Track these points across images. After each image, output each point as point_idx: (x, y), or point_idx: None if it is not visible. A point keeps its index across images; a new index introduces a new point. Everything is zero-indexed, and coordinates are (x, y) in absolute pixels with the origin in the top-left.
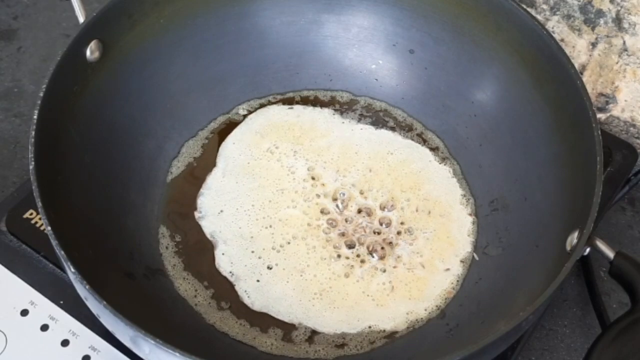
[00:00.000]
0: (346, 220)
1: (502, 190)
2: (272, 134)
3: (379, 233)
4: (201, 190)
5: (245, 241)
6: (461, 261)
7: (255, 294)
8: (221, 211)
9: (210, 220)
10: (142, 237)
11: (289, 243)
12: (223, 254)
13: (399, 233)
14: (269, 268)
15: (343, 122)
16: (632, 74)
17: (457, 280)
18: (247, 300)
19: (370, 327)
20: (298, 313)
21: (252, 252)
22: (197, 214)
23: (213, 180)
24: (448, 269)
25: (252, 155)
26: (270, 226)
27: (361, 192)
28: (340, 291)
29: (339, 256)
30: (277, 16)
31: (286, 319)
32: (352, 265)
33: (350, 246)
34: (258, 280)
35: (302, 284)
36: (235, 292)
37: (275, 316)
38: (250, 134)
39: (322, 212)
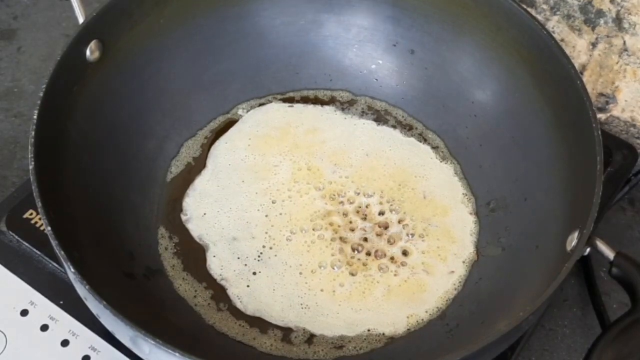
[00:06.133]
0: (346, 220)
1: (502, 190)
2: (267, 133)
3: (379, 234)
4: (187, 191)
5: (231, 246)
6: (463, 262)
7: (247, 299)
8: (204, 214)
9: (195, 223)
10: (142, 238)
11: (272, 248)
12: (214, 256)
13: (399, 232)
14: (254, 274)
15: (345, 118)
16: (632, 74)
17: (459, 282)
18: (239, 305)
19: (369, 330)
20: (291, 317)
21: (238, 258)
22: (182, 217)
23: (199, 182)
24: (452, 272)
25: (241, 155)
26: (254, 229)
27: (359, 189)
28: (335, 296)
29: (333, 262)
30: (277, 16)
31: (280, 324)
32: (350, 269)
33: (347, 248)
34: (248, 286)
35: (292, 290)
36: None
37: (269, 320)
38: (244, 133)
39: (316, 212)
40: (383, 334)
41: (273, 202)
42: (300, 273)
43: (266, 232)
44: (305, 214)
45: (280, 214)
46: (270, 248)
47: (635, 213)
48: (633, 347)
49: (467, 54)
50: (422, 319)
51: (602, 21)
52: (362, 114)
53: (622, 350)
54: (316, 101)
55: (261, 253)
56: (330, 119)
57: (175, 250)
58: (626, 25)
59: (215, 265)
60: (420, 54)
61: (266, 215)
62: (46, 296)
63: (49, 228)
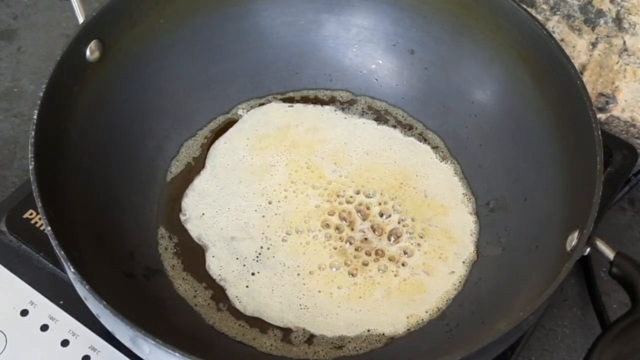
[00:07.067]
0: (346, 220)
1: (502, 190)
2: (267, 133)
3: (379, 234)
4: (186, 192)
5: (229, 246)
6: (463, 262)
7: (246, 299)
8: (203, 214)
9: (194, 223)
10: (142, 238)
11: (270, 248)
12: (213, 256)
13: (400, 233)
14: (253, 275)
15: (345, 118)
16: (632, 74)
17: (460, 282)
18: (238, 305)
19: (369, 330)
20: (291, 318)
21: (237, 258)
22: (181, 217)
23: (198, 182)
24: (453, 272)
25: (240, 155)
26: (252, 229)
27: (359, 188)
28: (335, 296)
29: (332, 263)
30: (277, 16)
31: (280, 324)
32: (349, 269)
33: (347, 248)
34: (247, 286)
35: (290, 291)
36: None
37: (268, 321)
38: (244, 133)
39: (316, 213)
40: (383, 334)
41: (270, 203)
42: (298, 274)
43: (263, 233)
44: (304, 214)
45: (276, 214)
46: (268, 249)
47: (635, 213)
48: (633, 347)
49: (467, 54)
50: (422, 319)
51: (602, 21)
52: (362, 114)
53: (622, 350)
54: (316, 101)
55: (259, 254)
56: (331, 119)
57: (175, 250)
58: (626, 25)
59: (215, 265)
60: (420, 54)
61: (263, 216)
62: (46, 296)
63: (49, 228)
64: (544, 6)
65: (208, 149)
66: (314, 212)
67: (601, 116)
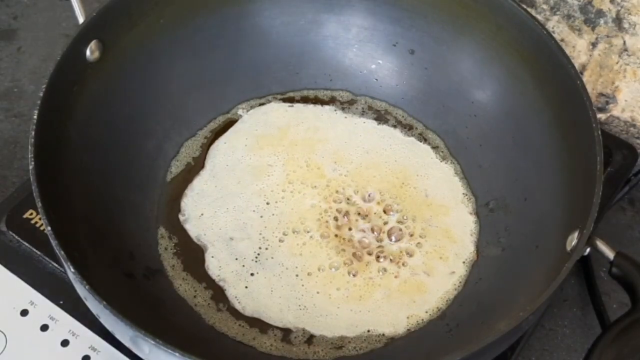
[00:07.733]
0: (345, 221)
1: (502, 190)
2: (267, 133)
3: (379, 235)
4: (185, 192)
5: (228, 247)
6: (463, 262)
7: (245, 300)
8: (202, 214)
9: (193, 223)
10: (142, 238)
11: (268, 249)
12: (212, 257)
13: (400, 233)
14: (252, 275)
15: (345, 118)
16: (632, 74)
17: (460, 282)
18: (237, 306)
19: (369, 330)
20: (290, 318)
21: (236, 259)
22: (181, 217)
23: (198, 182)
24: (453, 272)
25: (239, 155)
26: (250, 229)
27: (359, 188)
28: (335, 297)
29: (331, 264)
30: (277, 16)
31: (279, 325)
32: (349, 269)
33: (346, 249)
34: (246, 287)
35: (289, 292)
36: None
37: (268, 322)
38: (243, 133)
39: (315, 213)
40: (383, 334)
41: (267, 204)
42: (297, 275)
43: (260, 233)
44: (300, 214)
45: (274, 214)
46: (267, 249)
47: (635, 213)
48: (633, 347)
49: (467, 54)
50: (422, 319)
51: (602, 21)
52: (362, 114)
53: (622, 350)
54: (316, 101)
55: (258, 254)
56: (331, 119)
57: (175, 250)
58: (626, 25)
59: (214, 265)
60: (420, 54)
61: (261, 217)
62: (46, 296)
63: (49, 228)
64: (544, 6)
65: (208, 149)
66: (310, 212)
67: (601, 116)
